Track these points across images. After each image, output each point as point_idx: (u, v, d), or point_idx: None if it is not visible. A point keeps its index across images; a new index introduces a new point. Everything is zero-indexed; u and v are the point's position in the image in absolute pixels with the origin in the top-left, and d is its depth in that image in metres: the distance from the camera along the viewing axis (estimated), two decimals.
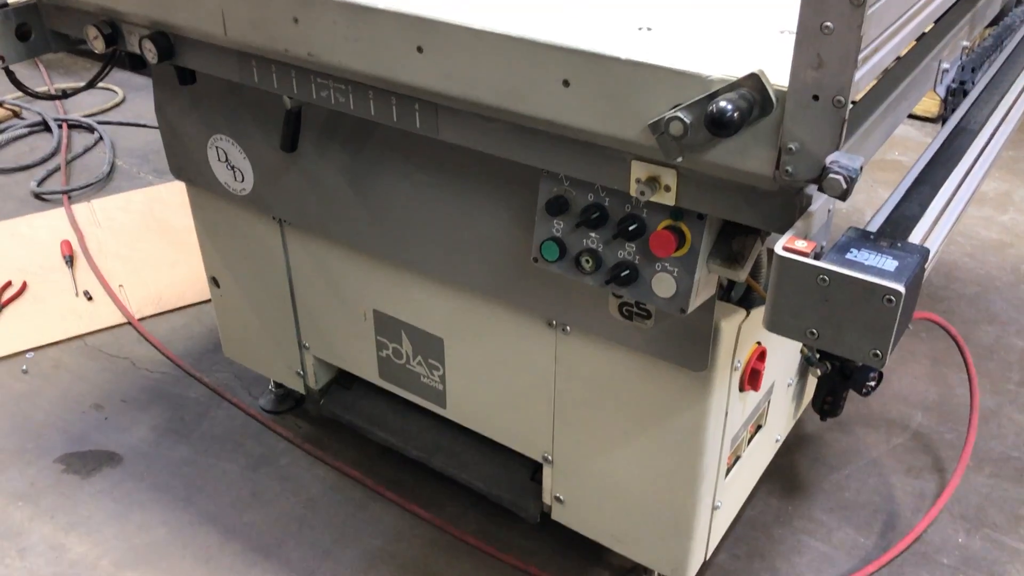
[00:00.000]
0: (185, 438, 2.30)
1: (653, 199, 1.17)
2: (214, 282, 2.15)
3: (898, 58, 1.42)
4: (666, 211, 1.21)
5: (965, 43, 1.61)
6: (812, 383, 2.03)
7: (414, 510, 2.06)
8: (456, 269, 1.59)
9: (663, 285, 1.25)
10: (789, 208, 1.08)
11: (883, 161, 3.63)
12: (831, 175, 0.97)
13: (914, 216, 1.07)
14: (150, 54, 1.58)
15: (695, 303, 1.26)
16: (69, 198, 3.33)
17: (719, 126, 0.96)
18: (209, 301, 2.61)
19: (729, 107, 0.96)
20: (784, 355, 1.80)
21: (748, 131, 1.00)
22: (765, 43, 1.12)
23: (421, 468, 2.06)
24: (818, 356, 1.85)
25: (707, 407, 1.46)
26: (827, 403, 2.01)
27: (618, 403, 1.56)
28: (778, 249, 0.97)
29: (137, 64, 1.72)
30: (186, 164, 1.93)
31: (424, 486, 2.12)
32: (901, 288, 0.92)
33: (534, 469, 1.84)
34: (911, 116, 3.85)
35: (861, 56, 0.92)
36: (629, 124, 1.09)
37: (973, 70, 1.50)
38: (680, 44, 1.11)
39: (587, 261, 1.29)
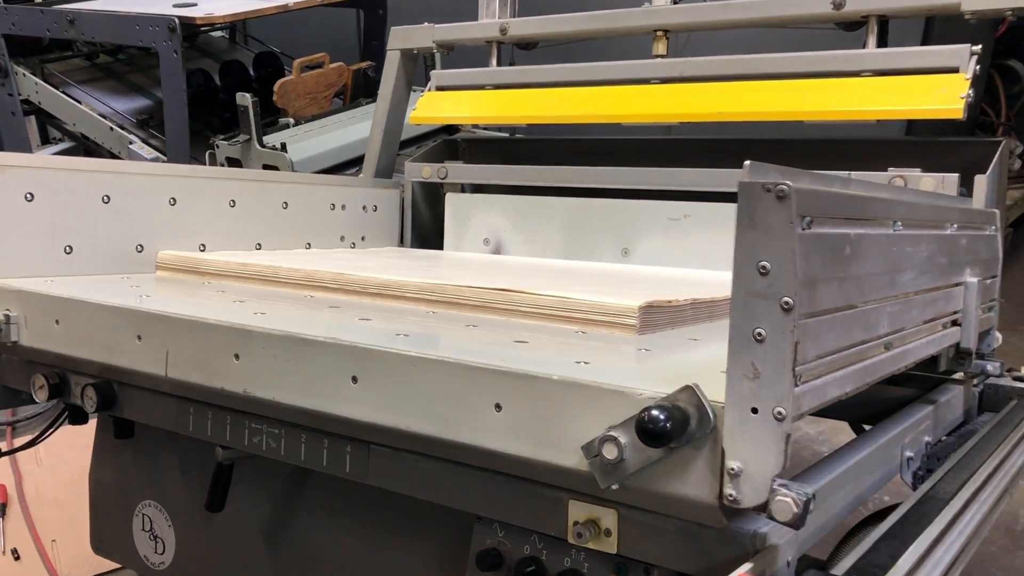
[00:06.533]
0: None
1: (592, 545, 1.04)
2: None
3: (858, 428, 1.37)
4: (608, 565, 1.07)
5: (927, 439, 1.57)
6: None
7: None
8: None
9: None
10: (741, 556, 0.95)
11: None
12: (779, 497, 0.86)
13: (884, 565, 0.93)
14: (90, 403, 1.54)
15: None
16: (13, 429, 3.10)
17: (651, 436, 0.88)
18: None
19: (662, 416, 0.88)
20: None
21: (686, 450, 0.92)
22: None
23: None
24: None
25: None
26: None
27: None
28: None
29: (79, 417, 1.68)
30: (109, 535, 1.79)
31: None
32: None
33: None
34: None
35: (801, 367, 0.87)
36: (562, 449, 1.00)
37: (939, 459, 1.44)
38: (618, 367, 1.07)
39: None
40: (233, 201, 2.14)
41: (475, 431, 1.07)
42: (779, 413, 0.86)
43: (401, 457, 1.20)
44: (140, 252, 1.94)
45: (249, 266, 1.83)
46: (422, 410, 1.12)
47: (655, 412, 0.89)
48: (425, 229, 2.65)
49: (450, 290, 1.56)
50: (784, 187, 0.86)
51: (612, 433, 0.95)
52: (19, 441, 3.14)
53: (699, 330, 1.45)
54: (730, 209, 2.11)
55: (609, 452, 0.95)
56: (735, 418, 0.89)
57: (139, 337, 1.42)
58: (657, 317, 1.40)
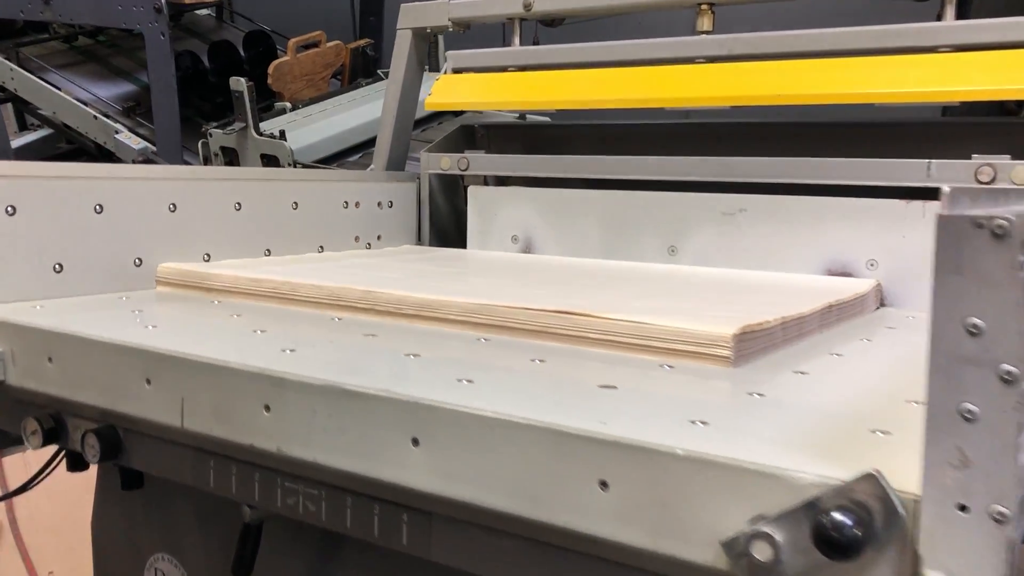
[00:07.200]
0: None
1: None
2: None
3: None
4: None
5: None
6: None
7: None
8: None
9: None
10: None
11: None
12: None
13: None
14: (91, 451, 1.34)
15: None
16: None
17: (838, 549, 0.69)
18: None
19: (849, 521, 0.69)
20: None
21: (866, 557, 0.72)
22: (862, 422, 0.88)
23: None
24: None
25: None
26: None
27: None
28: None
29: (78, 464, 1.47)
30: None
31: None
32: None
33: None
34: None
35: None
36: (691, 541, 0.81)
37: None
38: (746, 428, 0.87)
39: None
40: (239, 204, 1.92)
41: (574, 513, 0.88)
42: (1000, 514, 0.67)
43: (472, 531, 1.00)
44: (139, 266, 1.73)
45: (262, 281, 1.62)
46: (503, 483, 0.92)
47: (839, 516, 0.69)
48: (444, 225, 2.44)
49: (501, 312, 1.36)
50: (1004, 222, 0.66)
51: (764, 529, 0.76)
52: (7, 461, 2.93)
53: (795, 356, 1.26)
54: (792, 202, 1.91)
55: (761, 553, 0.75)
56: (936, 517, 0.69)
57: (148, 381, 1.21)
58: (751, 344, 1.21)
